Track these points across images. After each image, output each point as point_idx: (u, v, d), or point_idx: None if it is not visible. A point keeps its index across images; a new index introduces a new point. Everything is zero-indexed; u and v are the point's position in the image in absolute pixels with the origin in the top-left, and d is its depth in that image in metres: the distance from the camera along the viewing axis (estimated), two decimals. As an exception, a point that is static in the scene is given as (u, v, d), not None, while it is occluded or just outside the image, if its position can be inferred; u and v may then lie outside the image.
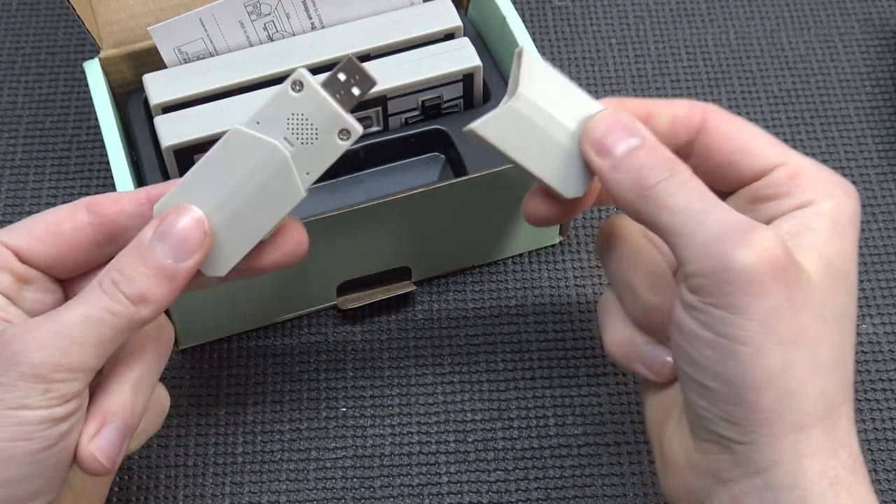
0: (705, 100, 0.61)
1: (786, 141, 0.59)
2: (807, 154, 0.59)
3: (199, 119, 0.50)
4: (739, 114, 0.60)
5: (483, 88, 0.53)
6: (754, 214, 0.39)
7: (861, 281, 0.55)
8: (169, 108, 0.50)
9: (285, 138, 0.37)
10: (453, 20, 0.53)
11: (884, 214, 0.57)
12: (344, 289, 0.53)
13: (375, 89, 0.50)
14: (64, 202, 0.40)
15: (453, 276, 0.55)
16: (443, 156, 0.53)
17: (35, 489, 0.36)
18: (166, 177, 0.50)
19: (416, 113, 0.53)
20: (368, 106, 0.51)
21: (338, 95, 0.38)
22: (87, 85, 0.52)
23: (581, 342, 0.53)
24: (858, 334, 0.53)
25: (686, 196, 0.37)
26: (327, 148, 0.38)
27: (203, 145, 0.49)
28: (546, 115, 0.39)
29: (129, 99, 0.53)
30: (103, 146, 0.52)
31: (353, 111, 0.38)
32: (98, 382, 0.38)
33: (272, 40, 0.53)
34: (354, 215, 0.48)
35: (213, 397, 0.51)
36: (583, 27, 0.64)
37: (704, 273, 0.35)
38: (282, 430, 0.51)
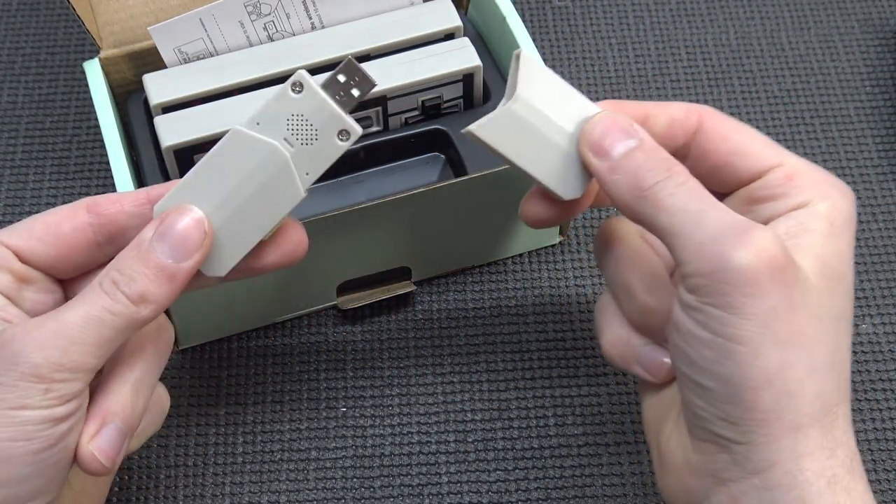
0: (705, 100, 0.61)
1: (786, 141, 0.60)
2: (807, 154, 0.59)
3: (199, 119, 0.50)
4: (739, 114, 0.61)
5: (483, 88, 0.53)
6: (751, 216, 0.39)
7: (861, 281, 0.55)
8: (169, 108, 0.51)
9: (285, 139, 0.38)
10: (453, 20, 0.53)
11: (884, 214, 0.57)
12: (344, 289, 0.53)
13: (375, 89, 0.50)
14: (64, 202, 0.40)
15: (453, 276, 0.55)
16: (443, 156, 0.53)
17: (35, 489, 0.36)
18: (166, 177, 0.50)
19: (416, 113, 0.53)
20: (368, 106, 0.51)
21: (337, 97, 0.38)
22: (87, 85, 0.52)
23: (581, 342, 0.53)
24: (858, 334, 0.53)
25: (683, 197, 0.37)
26: (327, 149, 0.38)
27: (203, 145, 0.49)
28: (544, 117, 0.39)
29: (129, 99, 0.53)
30: (103, 146, 0.52)
31: (352, 112, 0.38)
32: (98, 382, 0.38)
33: (272, 40, 0.53)
34: (354, 215, 0.48)
35: (213, 397, 0.51)
36: (583, 27, 0.64)
37: (702, 273, 0.36)
38: (282, 430, 0.51)
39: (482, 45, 0.55)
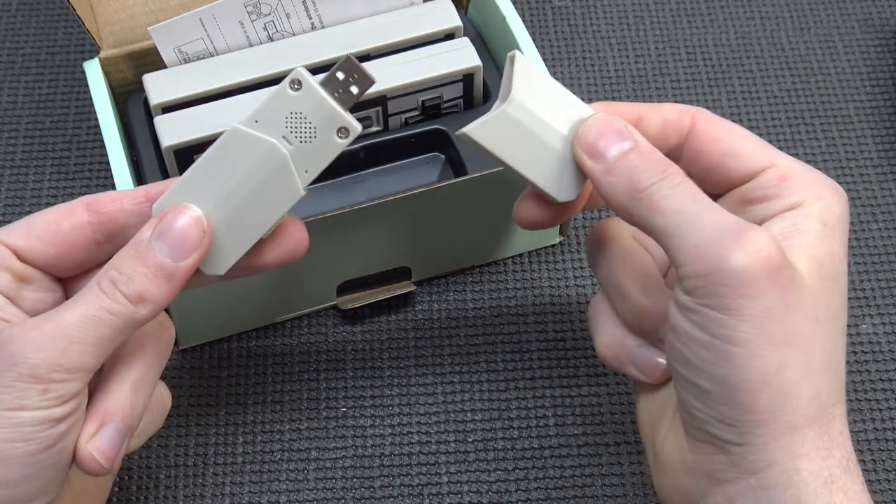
0: (705, 100, 0.61)
1: (786, 141, 0.60)
2: (807, 154, 0.59)
3: (199, 119, 0.50)
4: (739, 114, 0.61)
5: (483, 88, 0.53)
6: (744, 217, 0.39)
7: (861, 281, 0.55)
8: (169, 108, 0.51)
9: (284, 137, 0.38)
10: (453, 20, 0.53)
11: (884, 214, 0.57)
12: (344, 289, 0.53)
13: (375, 89, 0.50)
14: (64, 202, 0.40)
15: (453, 276, 0.55)
16: (443, 156, 0.53)
17: (34, 490, 0.36)
18: (166, 177, 0.50)
19: (416, 113, 0.53)
20: (368, 106, 0.51)
21: (336, 94, 0.38)
22: (87, 85, 0.52)
23: (581, 342, 0.53)
24: (858, 334, 0.53)
25: (679, 198, 0.37)
26: (326, 146, 0.38)
27: (203, 145, 0.49)
28: (538, 119, 0.39)
29: (129, 99, 0.53)
30: (103, 146, 0.52)
31: (352, 110, 0.38)
32: (98, 381, 0.38)
33: (272, 40, 0.53)
34: (354, 215, 0.48)
35: (213, 397, 0.51)
36: (583, 27, 0.64)
37: (698, 274, 0.36)
38: (282, 430, 0.51)
39: (482, 45, 0.55)
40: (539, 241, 0.56)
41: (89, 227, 0.39)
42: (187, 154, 0.49)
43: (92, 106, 0.53)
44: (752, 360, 0.35)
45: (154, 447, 0.50)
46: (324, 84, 0.37)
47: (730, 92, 0.62)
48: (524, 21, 0.57)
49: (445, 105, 0.53)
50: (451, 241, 0.53)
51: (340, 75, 0.38)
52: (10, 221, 0.53)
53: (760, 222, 0.39)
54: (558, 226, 0.56)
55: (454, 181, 0.49)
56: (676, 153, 0.40)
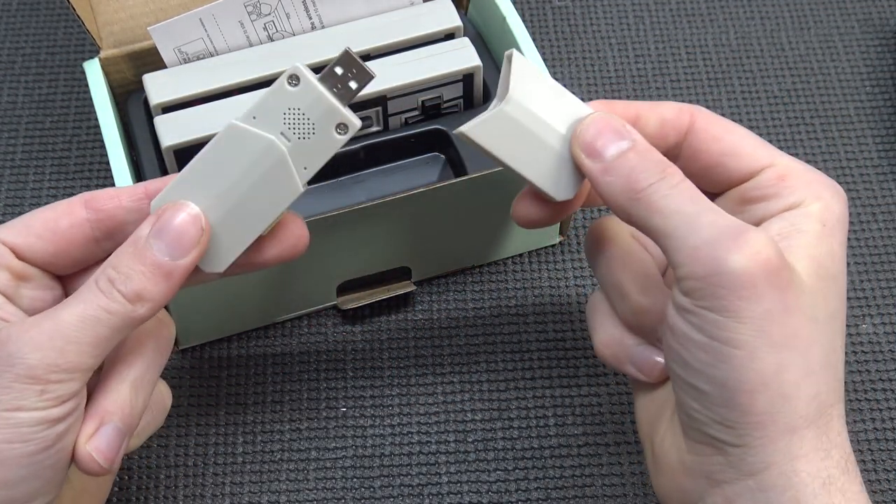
0: (705, 100, 0.61)
1: (786, 141, 0.60)
2: (807, 154, 0.59)
3: (199, 119, 0.50)
4: (739, 114, 0.61)
5: (483, 88, 0.53)
6: (743, 216, 0.39)
7: (861, 281, 0.55)
8: (169, 108, 0.51)
9: (282, 133, 0.37)
10: (453, 20, 0.53)
11: (884, 214, 0.57)
12: (344, 289, 0.53)
13: (375, 89, 0.50)
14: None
15: (453, 276, 0.55)
16: (443, 156, 0.53)
17: (33, 491, 0.36)
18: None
19: (416, 113, 0.53)
20: (368, 106, 0.51)
21: (335, 89, 0.37)
22: (87, 85, 0.52)
23: (581, 342, 0.53)
24: (858, 334, 0.53)
25: (677, 198, 0.36)
26: (325, 143, 0.37)
27: (203, 145, 0.49)
28: (536, 118, 0.39)
29: (129, 99, 0.53)
30: (103, 146, 0.52)
31: (352, 108, 0.38)
32: (97, 380, 0.38)
33: (272, 40, 0.53)
34: (354, 215, 0.48)
35: (213, 397, 0.51)
36: (583, 27, 0.64)
37: (697, 276, 0.35)
38: (282, 430, 0.51)
39: (482, 45, 0.55)
40: (539, 241, 0.56)
41: (88, 224, 0.38)
42: (187, 154, 0.49)
43: (92, 106, 0.53)
44: (751, 363, 0.35)
45: (154, 447, 0.50)
46: (322, 79, 0.37)
47: (730, 92, 0.62)
48: (524, 21, 0.57)
49: (445, 105, 0.53)
50: (451, 241, 0.53)
51: (339, 70, 0.37)
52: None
53: (759, 222, 0.39)
54: (558, 226, 0.56)
55: (454, 181, 0.49)
56: (675, 152, 0.40)
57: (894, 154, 0.59)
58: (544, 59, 0.60)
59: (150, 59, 0.52)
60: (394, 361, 0.53)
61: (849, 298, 0.52)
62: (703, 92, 0.62)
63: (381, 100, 0.51)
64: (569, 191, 0.40)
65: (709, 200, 0.37)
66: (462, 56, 0.52)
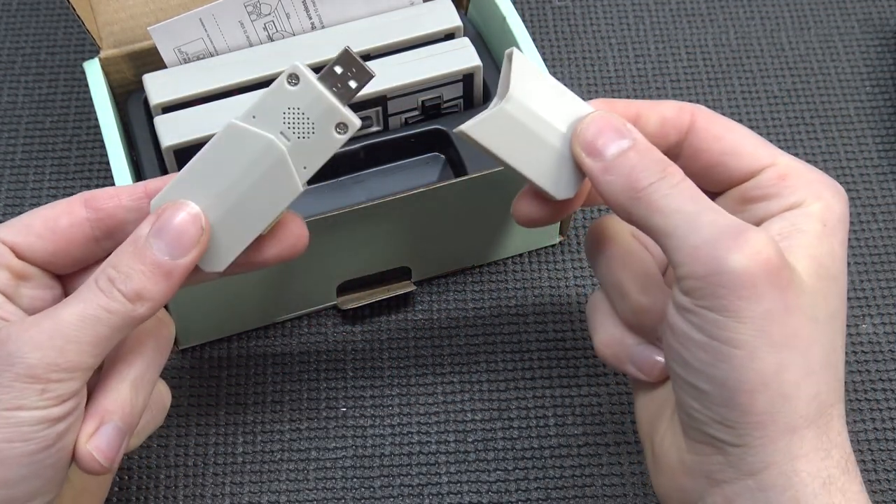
0: (705, 100, 0.61)
1: (786, 141, 0.60)
2: (807, 154, 0.59)
3: (199, 119, 0.50)
4: (739, 114, 0.61)
5: (483, 88, 0.53)
6: (744, 215, 0.39)
7: (861, 281, 0.55)
8: (169, 108, 0.51)
9: (282, 132, 0.37)
10: (453, 20, 0.53)
11: (884, 214, 0.57)
12: (344, 289, 0.53)
13: (375, 89, 0.50)
14: (62, 200, 0.40)
15: (453, 276, 0.55)
16: (443, 156, 0.53)
17: (33, 490, 0.36)
18: (166, 176, 0.50)
19: (416, 113, 0.53)
20: (368, 106, 0.51)
21: (335, 88, 0.37)
22: (87, 85, 0.52)
23: (581, 342, 0.53)
24: (858, 334, 0.53)
25: (678, 198, 0.36)
26: (324, 142, 0.37)
27: (203, 145, 0.49)
28: (536, 117, 0.39)
29: (129, 99, 0.53)
30: (103, 146, 0.52)
31: (352, 107, 0.38)
32: (97, 380, 0.38)
33: (272, 40, 0.53)
34: (354, 215, 0.48)
35: (213, 397, 0.51)
36: (583, 27, 0.64)
37: (697, 276, 0.35)
38: (282, 430, 0.51)
39: (482, 45, 0.55)
40: (539, 241, 0.56)
41: (87, 223, 0.38)
42: (187, 154, 0.49)
43: (92, 106, 0.53)
44: (751, 362, 0.35)
45: (154, 447, 0.50)
46: (322, 78, 0.37)
47: (730, 92, 0.62)
48: (524, 21, 0.57)
49: (445, 105, 0.53)
50: (451, 241, 0.53)
51: (338, 69, 0.37)
52: (9, 221, 0.53)
53: (760, 221, 0.39)
54: (558, 226, 0.56)
55: (454, 181, 0.49)
56: (676, 151, 0.40)
57: (894, 154, 0.59)
58: (544, 59, 0.60)
59: (150, 59, 0.52)
60: (394, 361, 0.53)
61: (849, 298, 0.52)
62: (703, 92, 0.62)
63: (381, 100, 0.51)
64: (569, 190, 0.40)
65: (709, 200, 0.37)
66: (462, 56, 0.52)
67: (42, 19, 0.64)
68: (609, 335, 0.42)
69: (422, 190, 0.49)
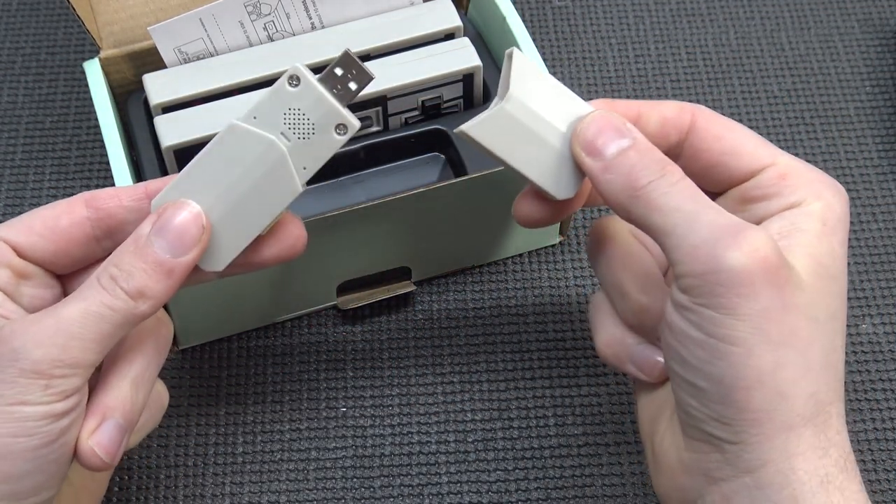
0: (705, 100, 0.61)
1: (786, 141, 0.60)
2: (807, 154, 0.59)
3: (199, 119, 0.50)
4: (739, 114, 0.61)
5: (483, 88, 0.53)
6: (744, 215, 0.39)
7: (861, 281, 0.55)
8: (169, 108, 0.51)
9: (282, 133, 0.37)
10: (453, 20, 0.53)
11: (884, 214, 0.57)
12: (344, 289, 0.53)
13: (375, 89, 0.50)
14: (63, 200, 0.40)
15: (453, 276, 0.55)
16: (443, 156, 0.53)
17: (36, 485, 0.37)
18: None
19: (416, 113, 0.53)
20: (368, 106, 0.51)
21: (335, 90, 0.37)
22: (87, 85, 0.52)
23: (581, 342, 0.53)
24: (858, 334, 0.53)
25: (677, 197, 0.37)
26: (324, 143, 0.38)
27: (203, 145, 0.49)
28: (536, 116, 0.39)
29: (129, 99, 0.53)
30: (103, 146, 0.52)
31: (352, 108, 0.38)
32: (98, 378, 0.38)
33: (272, 40, 0.53)
34: (354, 215, 0.48)
35: (213, 397, 0.51)
36: (583, 27, 0.64)
37: (695, 274, 0.35)
38: (282, 430, 0.51)
39: (482, 45, 0.55)
40: (539, 241, 0.56)
41: (88, 223, 0.39)
42: (187, 154, 0.49)
43: (92, 106, 0.53)
44: (748, 360, 0.35)
45: (154, 447, 0.50)
46: (322, 80, 0.37)
47: (730, 92, 0.62)
48: (524, 21, 0.57)
49: (445, 105, 0.53)
50: (451, 241, 0.53)
51: (339, 71, 0.37)
52: (10, 221, 0.54)
53: (760, 221, 0.39)
54: (558, 226, 0.56)
55: (454, 181, 0.49)
56: (676, 151, 0.40)
57: (894, 154, 0.59)
58: (544, 59, 0.60)
59: (150, 59, 0.52)
60: (394, 361, 0.53)
61: (849, 298, 0.52)
62: (703, 92, 0.62)
63: (381, 100, 0.51)
64: (569, 189, 0.40)
65: (708, 199, 0.37)
66: (462, 56, 0.52)
67: (42, 19, 0.64)
68: (610, 335, 0.42)
69: (422, 190, 0.49)
